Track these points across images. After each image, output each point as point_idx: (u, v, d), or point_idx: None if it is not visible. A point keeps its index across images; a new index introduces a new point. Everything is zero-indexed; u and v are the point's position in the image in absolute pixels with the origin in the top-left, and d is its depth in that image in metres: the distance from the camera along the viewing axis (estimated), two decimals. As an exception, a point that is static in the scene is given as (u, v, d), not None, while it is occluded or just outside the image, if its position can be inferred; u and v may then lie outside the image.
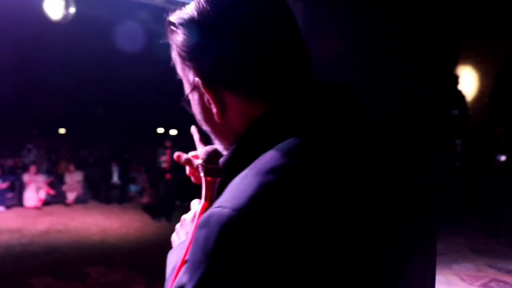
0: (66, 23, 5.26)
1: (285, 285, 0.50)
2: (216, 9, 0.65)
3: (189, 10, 0.67)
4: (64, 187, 10.02)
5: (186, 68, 0.69)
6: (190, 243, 0.71)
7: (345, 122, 0.64)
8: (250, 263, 0.50)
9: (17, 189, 9.57)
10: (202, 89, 0.66)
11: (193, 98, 0.71)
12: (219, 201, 0.55)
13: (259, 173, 0.54)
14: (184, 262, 0.70)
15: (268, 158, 0.57)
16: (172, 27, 0.69)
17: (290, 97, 0.65)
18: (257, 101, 0.65)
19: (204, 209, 0.80)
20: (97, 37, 11.49)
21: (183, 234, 0.86)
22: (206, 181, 0.84)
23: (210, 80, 0.66)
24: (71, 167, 10.43)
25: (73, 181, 10.11)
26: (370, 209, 0.58)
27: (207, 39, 0.65)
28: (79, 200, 9.91)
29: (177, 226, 0.89)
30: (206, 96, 0.67)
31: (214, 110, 0.67)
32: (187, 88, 0.72)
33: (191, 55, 0.67)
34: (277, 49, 0.64)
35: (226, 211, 0.52)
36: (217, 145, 0.76)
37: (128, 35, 8.90)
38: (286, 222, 0.51)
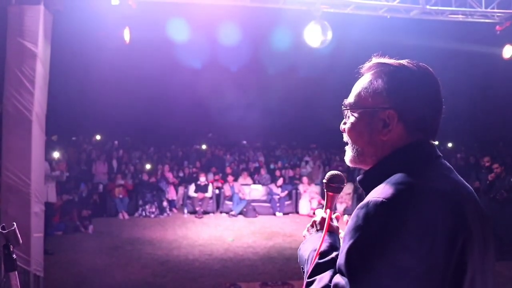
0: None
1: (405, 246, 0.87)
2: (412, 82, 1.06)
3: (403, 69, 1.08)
4: (334, 199, 10.61)
5: (380, 97, 1.06)
6: (323, 238, 1.14)
7: (436, 169, 1.04)
8: (391, 227, 0.88)
9: (294, 197, 10.83)
10: (393, 116, 1.03)
11: (364, 120, 1.07)
12: (371, 196, 0.94)
13: (395, 183, 0.95)
14: (320, 247, 1.11)
15: (396, 179, 0.97)
16: (383, 67, 1.09)
17: (424, 143, 1.06)
18: (410, 136, 1.05)
19: (330, 216, 1.22)
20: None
21: (314, 231, 1.25)
22: (328, 195, 1.25)
23: (403, 115, 1.04)
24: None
25: (343, 193, 10.65)
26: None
27: (411, 94, 1.05)
28: (347, 212, 10.35)
29: (308, 225, 1.29)
30: (386, 120, 1.04)
31: (387, 131, 1.04)
32: (358, 112, 1.09)
33: (398, 97, 1.04)
34: (436, 115, 1.08)
35: (379, 199, 0.91)
36: (350, 162, 1.12)
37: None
38: (416, 211, 0.89)
